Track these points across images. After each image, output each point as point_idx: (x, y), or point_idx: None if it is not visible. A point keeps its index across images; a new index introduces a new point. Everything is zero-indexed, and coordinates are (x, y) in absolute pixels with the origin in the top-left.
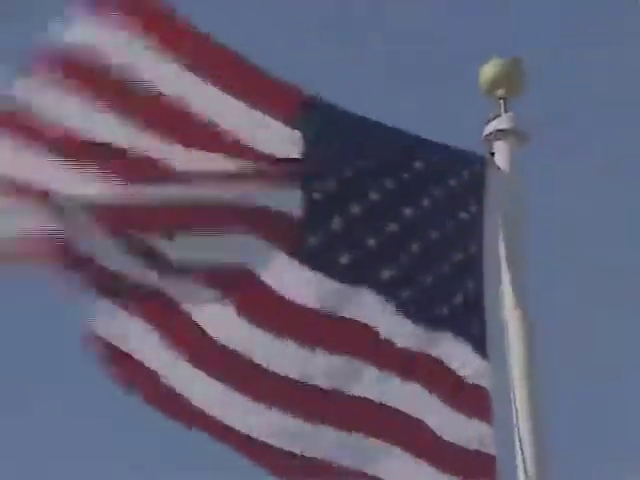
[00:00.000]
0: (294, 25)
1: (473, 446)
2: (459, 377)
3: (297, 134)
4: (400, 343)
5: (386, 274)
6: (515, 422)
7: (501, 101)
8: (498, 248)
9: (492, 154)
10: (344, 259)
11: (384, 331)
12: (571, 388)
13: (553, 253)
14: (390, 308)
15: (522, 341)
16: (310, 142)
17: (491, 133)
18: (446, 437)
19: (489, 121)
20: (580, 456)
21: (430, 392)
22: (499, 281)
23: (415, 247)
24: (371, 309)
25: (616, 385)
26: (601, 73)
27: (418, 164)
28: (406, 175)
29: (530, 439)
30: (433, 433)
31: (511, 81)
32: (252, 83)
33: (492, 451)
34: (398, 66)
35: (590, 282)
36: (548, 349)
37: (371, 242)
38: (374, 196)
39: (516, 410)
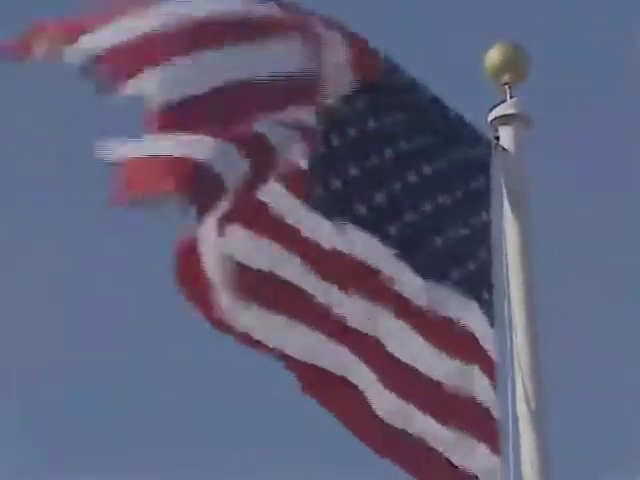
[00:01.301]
0: None
1: (485, 404)
2: (475, 337)
3: None
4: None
5: (393, 231)
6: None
7: (506, 87)
8: (503, 231)
9: (497, 139)
10: (356, 210)
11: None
12: (575, 387)
13: (556, 244)
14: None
15: (524, 319)
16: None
17: (496, 118)
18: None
19: (494, 107)
20: (589, 459)
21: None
22: (504, 261)
23: (425, 210)
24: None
25: (620, 383)
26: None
27: (429, 133)
28: (422, 139)
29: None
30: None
31: (516, 67)
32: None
33: (498, 417)
34: (402, 51)
35: (594, 268)
36: (551, 347)
37: (380, 199)
38: (389, 153)
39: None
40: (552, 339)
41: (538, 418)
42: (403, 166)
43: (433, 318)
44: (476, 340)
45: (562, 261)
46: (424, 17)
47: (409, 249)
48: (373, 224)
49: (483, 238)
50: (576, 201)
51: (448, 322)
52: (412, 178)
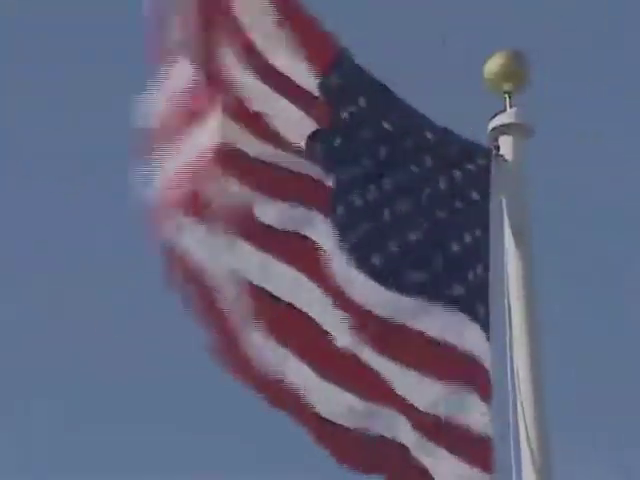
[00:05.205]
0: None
1: (479, 429)
2: (468, 357)
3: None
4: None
5: (375, 261)
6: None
7: (506, 95)
8: (503, 240)
9: (497, 148)
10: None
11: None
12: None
13: (558, 245)
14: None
15: (526, 328)
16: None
17: (496, 127)
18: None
19: (494, 116)
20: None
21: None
22: (503, 271)
23: (419, 232)
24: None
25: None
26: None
27: (426, 155)
28: (416, 162)
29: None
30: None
31: (516, 75)
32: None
33: (491, 435)
34: (400, 61)
35: (591, 273)
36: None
37: (379, 225)
38: (387, 182)
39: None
40: (552, 350)
41: (538, 433)
42: (404, 190)
43: (431, 343)
44: (473, 359)
45: (563, 271)
46: (424, 25)
47: (403, 269)
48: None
49: (477, 254)
50: (577, 210)
51: (446, 346)
52: (408, 201)
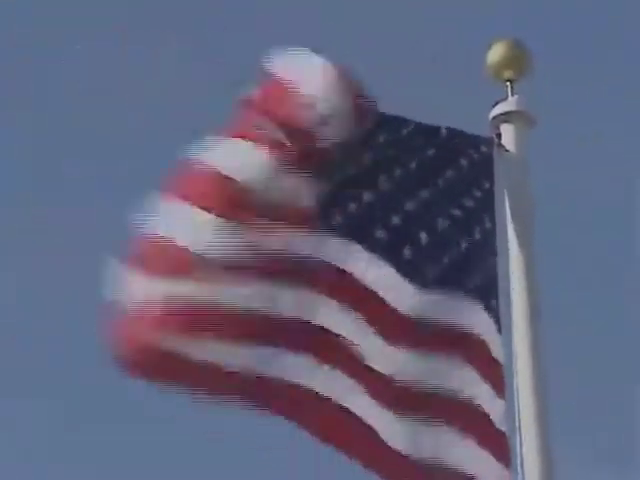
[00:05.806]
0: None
1: (493, 417)
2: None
3: None
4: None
5: (406, 253)
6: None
7: (508, 84)
8: (506, 229)
9: (499, 136)
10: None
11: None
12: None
13: (560, 237)
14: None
15: (527, 320)
16: None
17: (498, 116)
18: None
19: (496, 104)
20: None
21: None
22: (507, 260)
23: (433, 228)
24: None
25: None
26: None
27: (430, 149)
28: (420, 159)
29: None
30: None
31: (518, 63)
32: None
33: (504, 429)
34: (402, 50)
35: (594, 267)
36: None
37: (395, 221)
38: (388, 183)
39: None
40: (554, 342)
41: (540, 424)
42: (414, 184)
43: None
44: (487, 349)
45: (565, 260)
46: (425, 14)
47: (423, 265)
48: (389, 248)
49: (487, 245)
50: (576, 210)
51: (463, 336)
52: (424, 194)
